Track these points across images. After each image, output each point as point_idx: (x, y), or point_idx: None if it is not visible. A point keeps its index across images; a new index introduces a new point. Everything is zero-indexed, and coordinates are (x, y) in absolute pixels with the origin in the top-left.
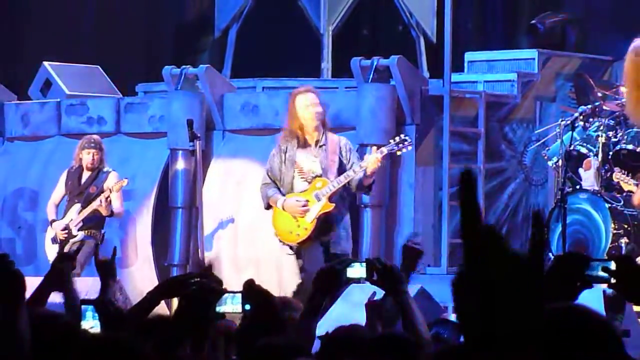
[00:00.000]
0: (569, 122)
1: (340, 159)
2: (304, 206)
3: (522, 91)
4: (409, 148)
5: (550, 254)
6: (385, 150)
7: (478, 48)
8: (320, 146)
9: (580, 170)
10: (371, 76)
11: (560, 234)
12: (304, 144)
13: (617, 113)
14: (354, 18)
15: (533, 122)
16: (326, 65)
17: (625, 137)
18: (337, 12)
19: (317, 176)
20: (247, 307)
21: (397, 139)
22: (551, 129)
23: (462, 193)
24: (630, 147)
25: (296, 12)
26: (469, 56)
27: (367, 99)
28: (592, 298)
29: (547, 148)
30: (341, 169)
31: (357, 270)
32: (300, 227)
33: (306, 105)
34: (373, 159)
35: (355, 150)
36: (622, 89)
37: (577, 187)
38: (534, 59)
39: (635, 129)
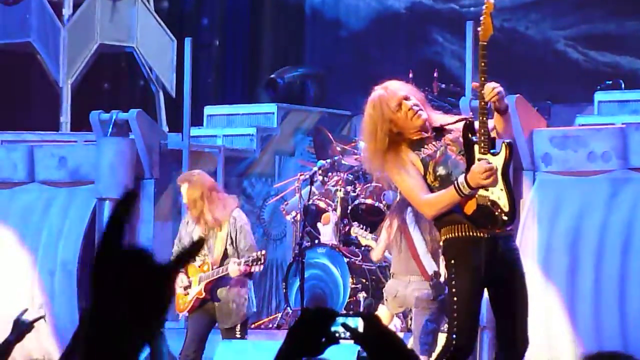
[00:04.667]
0: (307, 176)
1: (231, 238)
2: (188, 285)
3: (261, 145)
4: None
5: (289, 308)
6: (242, 264)
7: (218, 102)
8: (210, 227)
9: (319, 225)
10: (110, 130)
11: (298, 289)
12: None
13: (355, 167)
14: (94, 72)
15: (272, 177)
16: (65, 118)
17: (364, 191)
18: (76, 65)
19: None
20: None
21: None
22: (290, 184)
23: (117, 209)
24: (368, 201)
25: (35, 65)
26: (208, 110)
27: (106, 153)
28: (346, 355)
29: (285, 202)
30: (225, 252)
31: None
32: (183, 301)
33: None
34: (233, 270)
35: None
36: (361, 144)
37: (316, 241)
38: (273, 113)
39: (373, 184)
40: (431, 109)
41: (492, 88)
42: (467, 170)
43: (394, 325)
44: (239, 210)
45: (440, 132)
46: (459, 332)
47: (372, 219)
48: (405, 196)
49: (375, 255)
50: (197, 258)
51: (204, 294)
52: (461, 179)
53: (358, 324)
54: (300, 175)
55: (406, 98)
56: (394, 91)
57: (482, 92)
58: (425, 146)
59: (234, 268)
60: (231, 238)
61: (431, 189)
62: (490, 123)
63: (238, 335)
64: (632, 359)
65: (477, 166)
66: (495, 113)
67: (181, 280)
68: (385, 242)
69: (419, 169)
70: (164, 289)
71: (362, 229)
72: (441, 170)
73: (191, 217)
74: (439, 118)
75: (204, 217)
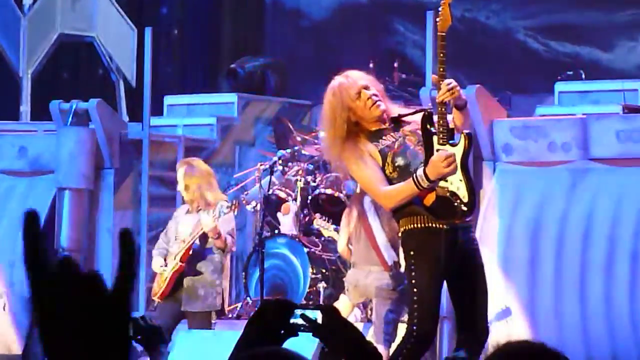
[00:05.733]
0: (267, 166)
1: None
2: (164, 264)
3: (221, 135)
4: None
5: (248, 299)
6: (219, 211)
7: (178, 92)
8: (198, 211)
9: (279, 215)
10: (70, 119)
11: (258, 279)
12: (189, 209)
13: (316, 157)
14: (54, 61)
15: (232, 166)
16: (25, 108)
17: (324, 181)
18: (36, 54)
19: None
20: None
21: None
22: (250, 173)
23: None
24: (328, 191)
25: None
26: (168, 100)
27: (66, 143)
28: (306, 347)
29: (246, 192)
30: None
31: None
32: (159, 283)
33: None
34: (205, 222)
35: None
36: (321, 133)
37: (276, 231)
38: (233, 103)
39: (334, 174)
40: (390, 101)
41: (445, 89)
42: (426, 161)
43: (354, 315)
44: (223, 202)
45: (398, 123)
46: (420, 323)
47: (332, 209)
48: (363, 188)
49: (339, 247)
50: (177, 245)
51: (179, 265)
52: (420, 172)
53: (317, 316)
54: (261, 165)
55: (366, 87)
56: (355, 80)
57: (441, 84)
58: (384, 137)
59: (206, 219)
60: (197, 235)
61: (390, 180)
62: (449, 117)
63: (214, 323)
64: (541, 347)
65: (436, 156)
66: (454, 109)
67: (158, 263)
68: (347, 232)
69: (377, 161)
70: (116, 315)
71: (324, 220)
72: (400, 161)
73: (186, 200)
74: (397, 109)
75: (200, 201)
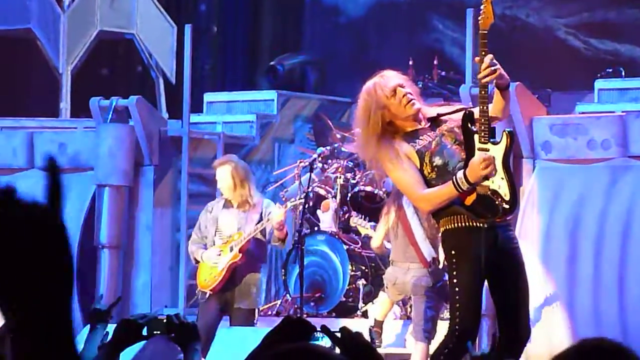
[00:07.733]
0: (307, 163)
1: (260, 218)
2: (218, 255)
3: (260, 132)
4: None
5: (288, 296)
6: (288, 204)
7: (217, 89)
8: (244, 210)
9: (319, 212)
10: (110, 116)
11: (298, 276)
12: (228, 205)
13: (355, 155)
14: (94, 58)
15: (272, 164)
16: (65, 105)
17: (364, 178)
18: (76, 51)
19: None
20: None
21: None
22: (290, 170)
23: (50, 182)
24: (368, 188)
25: (35, 51)
26: (208, 97)
27: (106, 140)
28: None
29: (285, 189)
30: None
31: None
32: (212, 275)
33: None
34: (277, 213)
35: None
36: (356, 130)
37: (315, 228)
38: (273, 100)
39: (373, 171)
40: (424, 102)
41: (487, 64)
42: (467, 161)
43: (394, 312)
44: (270, 202)
45: (435, 122)
46: (462, 323)
47: (371, 206)
48: (401, 190)
49: (374, 243)
50: (220, 239)
51: (239, 257)
52: (460, 174)
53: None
54: (300, 162)
55: (401, 85)
56: (389, 78)
57: (482, 80)
58: (420, 137)
59: (276, 211)
60: (263, 226)
61: (428, 181)
62: (489, 107)
63: (256, 321)
64: (616, 346)
65: (475, 158)
66: (496, 93)
67: (214, 253)
68: (384, 229)
69: (415, 161)
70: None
71: (361, 218)
72: (437, 161)
73: (227, 198)
74: (436, 109)
75: (244, 199)
